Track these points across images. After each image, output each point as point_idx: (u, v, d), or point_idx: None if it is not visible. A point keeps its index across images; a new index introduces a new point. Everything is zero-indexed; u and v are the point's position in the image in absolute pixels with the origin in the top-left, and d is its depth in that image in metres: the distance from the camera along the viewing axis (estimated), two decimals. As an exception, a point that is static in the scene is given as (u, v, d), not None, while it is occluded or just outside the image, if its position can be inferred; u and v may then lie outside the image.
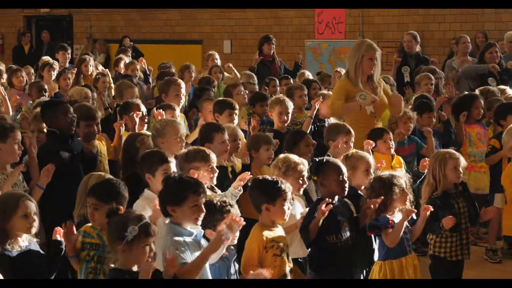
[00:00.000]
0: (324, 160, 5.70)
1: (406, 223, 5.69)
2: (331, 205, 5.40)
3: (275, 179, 5.30)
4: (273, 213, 5.21)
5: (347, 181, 5.61)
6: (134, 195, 5.54)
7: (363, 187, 6.12)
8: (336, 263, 5.52)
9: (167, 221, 4.76)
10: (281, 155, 6.18)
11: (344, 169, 5.62)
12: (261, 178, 5.43)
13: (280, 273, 5.15)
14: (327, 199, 5.49)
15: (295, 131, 7.57)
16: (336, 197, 5.62)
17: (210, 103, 8.57)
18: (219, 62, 12.83)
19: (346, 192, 5.63)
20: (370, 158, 6.31)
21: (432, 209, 5.82)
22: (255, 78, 11.49)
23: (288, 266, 5.22)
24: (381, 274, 5.66)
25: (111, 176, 5.54)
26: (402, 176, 5.75)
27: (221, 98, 8.76)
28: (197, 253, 4.65)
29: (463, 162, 6.31)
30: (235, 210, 4.95)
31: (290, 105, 8.31)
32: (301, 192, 6.04)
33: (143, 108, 7.71)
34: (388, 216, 5.62)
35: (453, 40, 14.64)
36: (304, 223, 5.53)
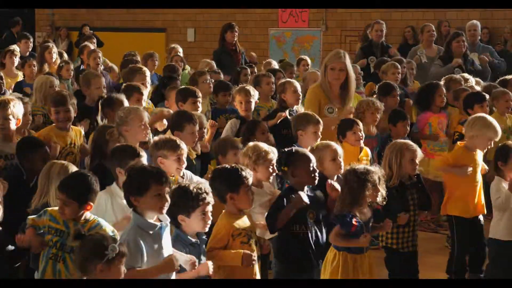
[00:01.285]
0: (294, 150, 5.72)
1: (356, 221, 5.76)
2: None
3: (235, 167, 5.33)
4: (238, 201, 5.24)
5: (317, 171, 5.63)
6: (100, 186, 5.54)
7: (335, 177, 6.15)
8: (300, 253, 5.55)
9: (131, 212, 4.75)
10: (251, 144, 6.20)
11: (313, 159, 5.64)
12: (221, 167, 5.46)
13: (247, 260, 5.20)
14: (329, 181, 5.48)
15: (251, 121, 7.62)
16: (306, 187, 5.65)
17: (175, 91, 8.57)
18: (181, 53, 12.82)
19: (316, 182, 5.65)
20: (337, 146, 6.33)
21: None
22: (214, 65, 11.50)
23: (256, 253, 5.26)
24: (334, 262, 5.70)
25: (81, 171, 5.42)
26: (376, 172, 5.75)
27: (184, 87, 8.72)
28: (155, 246, 4.65)
29: (420, 154, 6.36)
30: (210, 198, 4.96)
31: (255, 94, 8.32)
32: (271, 180, 6.08)
33: (127, 103, 7.65)
34: (353, 221, 5.63)
35: (408, 28, 14.75)
36: (271, 210, 5.56)
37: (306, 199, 5.49)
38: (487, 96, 8.53)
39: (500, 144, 6.73)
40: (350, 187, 5.64)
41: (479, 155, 6.95)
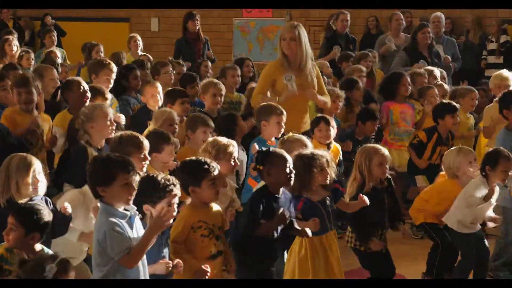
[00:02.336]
0: (271, 150, 5.69)
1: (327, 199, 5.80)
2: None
3: (200, 160, 5.31)
4: (200, 194, 5.23)
5: (293, 171, 5.61)
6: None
7: None
8: (262, 246, 5.54)
9: (99, 203, 4.71)
10: (210, 139, 6.19)
11: (290, 159, 5.60)
12: (188, 160, 5.44)
13: (207, 254, 5.20)
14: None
15: (228, 114, 7.61)
16: (282, 189, 5.63)
17: (152, 86, 8.48)
18: (141, 44, 12.74)
19: (291, 183, 5.61)
20: (306, 140, 6.33)
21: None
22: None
23: (217, 247, 5.25)
24: (302, 250, 5.72)
25: (37, 204, 5.08)
26: (324, 155, 5.79)
27: (172, 88, 8.61)
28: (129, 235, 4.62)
29: (389, 157, 6.37)
30: (177, 190, 4.94)
31: (223, 88, 8.32)
32: (233, 174, 6.07)
33: (84, 84, 7.60)
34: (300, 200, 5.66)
35: (371, 18, 14.80)
36: (248, 211, 5.50)
37: (287, 215, 5.46)
38: (458, 106, 8.57)
39: (490, 149, 6.75)
40: (298, 173, 5.64)
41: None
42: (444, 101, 8.84)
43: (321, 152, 5.86)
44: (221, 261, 5.36)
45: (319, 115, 7.94)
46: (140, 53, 12.26)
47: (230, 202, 6.10)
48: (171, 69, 9.67)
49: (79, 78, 7.73)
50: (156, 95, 8.28)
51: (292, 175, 5.57)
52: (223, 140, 6.08)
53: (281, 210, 5.49)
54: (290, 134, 6.45)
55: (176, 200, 4.92)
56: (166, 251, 5.04)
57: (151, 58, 11.57)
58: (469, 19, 14.73)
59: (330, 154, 5.98)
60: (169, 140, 6.66)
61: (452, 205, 6.60)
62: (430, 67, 10.22)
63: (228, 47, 15.23)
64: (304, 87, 7.86)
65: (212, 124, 6.99)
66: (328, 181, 5.77)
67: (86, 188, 5.47)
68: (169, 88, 8.60)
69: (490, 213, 6.61)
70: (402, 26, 12.29)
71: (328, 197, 5.85)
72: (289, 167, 5.54)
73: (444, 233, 6.75)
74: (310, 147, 6.23)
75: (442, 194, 6.85)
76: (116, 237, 4.51)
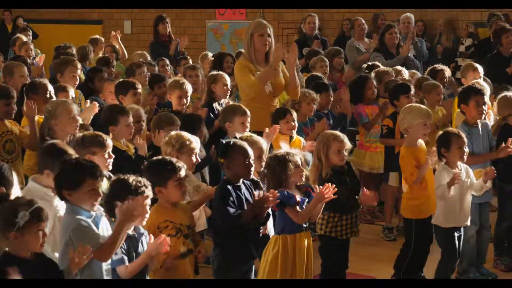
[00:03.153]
0: (231, 142, 5.70)
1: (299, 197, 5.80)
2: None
3: (165, 160, 5.32)
4: (166, 195, 5.23)
5: (253, 165, 5.62)
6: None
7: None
8: (240, 245, 5.54)
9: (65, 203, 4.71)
10: (173, 133, 6.22)
11: (250, 152, 5.61)
12: (154, 160, 5.44)
13: (175, 253, 5.18)
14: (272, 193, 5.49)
15: (192, 115, 7.63)
16: (241, 180, 5.65)
17: (111, 84, 8.51)
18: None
19: (251, 175, 5.65)
20: (263, 143, 6.33)
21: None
22: (147, 56, 11.45)
23: (186, 246, 5.25)
24: (275, 248, 5.72)
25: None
26: (297, 153, 5.80)
27: (122, 80, 8.69)
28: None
29: (347, 144, 6.32)
30: (149, 191, 4.94)
31: (189, 88, 8.31)
32: (194, 168, 6.07)
33: (50, 88, 7.57)
34: (290, 192, 5.67)
35: (345, 21, 14.88)
36: (219, 205, 5.50)
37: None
38: (412, 86, 8.61)
39: (440, 132, 6.75)
40: (273, 172, 5.67)
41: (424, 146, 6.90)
42: (398, 82, 8.91)
43: (295, 151, 5.88)
44: (192, 259, 5.35)
45: (284, 107, 7.94)
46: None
47: (194, 192, 6.08)
48: (146, 70, 9.67)
49: (46, 81, 7.68)
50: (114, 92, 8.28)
51: (252, 169, 5.60)
52: (187, 135, 6.12)
53: (256, 193, 5.55)
54: (249, 134, 6.44)
55: (148, 202, 4.91)
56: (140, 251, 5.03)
57: (147, 57, 11.57)
58: (441, 22, 14.83)
59: (302, 153, 5.98)
60: (123, 111, 6.74)
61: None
62: (398, 67, 10.26)
63: (201, 49, 15.21)
64: (275, 84, 7.92)
65: (178, 122, 7.00)
66: (303, 179, 5.79)
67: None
68: (121, 80, 8.62)
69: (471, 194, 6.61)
70: (365, 31, 12.37)
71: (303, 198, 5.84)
72: (248, 159, 5.57)
73: (421, 235, 6.76)
74: (266, 150, 6.24)
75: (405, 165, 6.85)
76: (85, 233, 4.51)
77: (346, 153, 6.29)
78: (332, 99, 8.93)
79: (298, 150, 6.05)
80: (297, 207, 5.67)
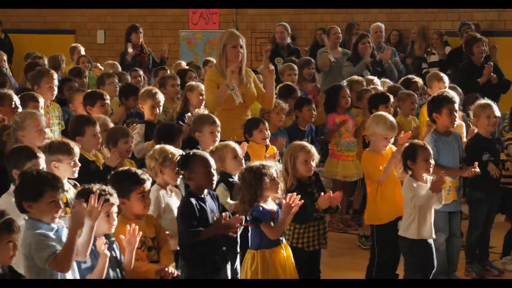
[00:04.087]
0: (191, 153, 5.68)
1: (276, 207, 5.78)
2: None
3: (129, 172, 5.29)
4: (129, 207, 5.20)
5: (215, 174, 5.60)
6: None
7: (236, 175, 6.17)
8: (206, 258, 5.49)
9: (25, 217, 4.65)
10: (157, 146, 6.16)
11: (211, 161, 5.58)
12: (119, 171, 5.41)
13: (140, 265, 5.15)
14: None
15: (169, 125, 7.59)
16: (206, 191, 5.62)
17: (81, 94, 8.47)
18: (83, 53, 12.73)
19: (213, 186, 5.62)
20: (235, 145, 6.33)
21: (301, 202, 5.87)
22: (118, 67, 11.42)
23: (150, 258, 5.22)
24: (254, 264, 5.69)
25: None
26: (272, 166, 5.77)
27: (91, 90, 8.65)
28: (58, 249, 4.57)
29: (315, 155, 6.33)
30: (114, 199, 4.90)
31: (162, 98, 8.29)
32: (178, 182, 6.04)
33: (16, 99, 7.52)
34: (266, 207, 5.65)
35: (319, 30, 14.93)
36: (187, 223, 5.46)
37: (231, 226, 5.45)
38: (391, 97, 8.64)
39: (406, 144, 6.77)
40: (248, 185, 5.63)
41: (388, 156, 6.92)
42: (377, 92, 8.95)
43: (269, 163, 5.83)
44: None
45: (256, 117, 7.94)
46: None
47: None
48: (116, 80, 9.64)
49: (11, 92, 7.62)
50: None
51: (214, 178, 5.57)
52: (171, 148, 6.07)
53: (211, 215, 5.49)
54: (216, 144, 6.43)
55: (114, 209, 4.89)
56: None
57: (118, 67, 11.52)
58: (415, 30, 14.91)
59: (277, 165, 5.96)
60: (90, 121, 6.72)
61: (403, 218, 6.58)
62: (370, 77, 10.30)
63: (175, 59, 15.17)
64: (246, 95, 7.91)
65: (131, 133, 6.95)
66: (279, 192, 5.74)
67: (11, 188, 5.39)
68: (89, 90, 8.58)
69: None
70: (339, 40, 12.38)
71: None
72: (209, 169, 5.53)
73: (384, 240, 6.78)
74: (239, 151, 6.23)
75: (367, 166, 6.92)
76: (40, 244, 4.46)
77: (313, 164, 6.29)
78: (315, 112, 8.89)
79: (273, 162, 6.02)
80: (272, 223, 5.63)
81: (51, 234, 4.55)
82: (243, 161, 6.26)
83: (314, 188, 6.35)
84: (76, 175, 5.77)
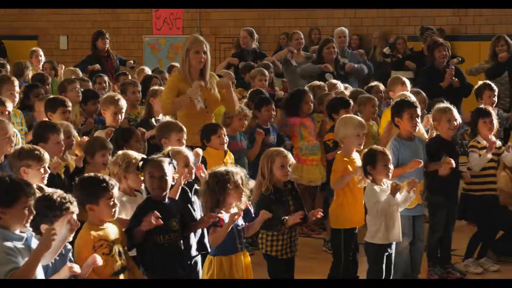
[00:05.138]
0: (149, 158, 5.64)
1: (241, 220, 5.76)
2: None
3: (98, 177, 5.25)
4: (98, 212, 5.16)
5: (167, 181, 5.55)
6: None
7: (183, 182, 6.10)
8: (163, 263, 5.47)
9: None
10: (120, 152, 6.12)
11: (166, 167, 5.54)
12: (86, 176, 5.36)
13: (110, 271, 5.11)
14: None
15: (124, 128, 7.54)
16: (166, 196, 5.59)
17: (43, 101, 8.40)
18: (43, 58, 12.62)
19: (164, 192, 5.56)
20: (188, 152, 6.29)
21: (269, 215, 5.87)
22: (79, 73, 11.35)
23: (120, 264, 5.20)
24: (210, 270, 5.68)
25: None
26: (238, 172, 5.75)
27: (52, 97, 8.57)
28: (27, 258, 4.54)
29: (291, 160, 6.37)
30: (74, 207, 4.87)
31: (124, 104, 8.24)
32: (142, 187, 6.00)
33: None
34: (219, 215, 5.64)
35: (282, 35, 14.99)
36: (131, 224, 5.47)
37: (156, 222, 5.41)
38: (351, 101, 8.67)
39: (366, 150, 6.80)
40: (211, 191, 5.61)
41: (358, 159, 6.96)
42: (337, 96, 8.98)
43: (235, 169, 5.81)
44: (127, 276, 5.29)
45: (213, 122, 7.91)
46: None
47: None
48: (78, 86, 9.57)
49: None
50: None
51: (166, 185, 5.52)
52: (134, 153, 6.04)
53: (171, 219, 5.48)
54: (170, 148, 6.38)
55: (74, 217, 4.85)
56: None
57: (79, 73, 11.46)
58: (376, 35, 15.00)
59: (243, 172, 5.93)
60: (54, 128, 6.66)
61: (369, 224, 6.61)
62: (333, 81, 10.34)
63: (138, 64, 15.14)
64: (209, 101, 7.89)
65: (110, 145, 6.90)
66: (243, 199, 5.72)
67: None
68: (50, 97, 8.52)
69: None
70: (301, 45, 12.44)
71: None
72: (163, 174, 5.50)
73: (349, 252, 6.80)
74: (191, 158, 6.21)
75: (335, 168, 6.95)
76: (2, 258, 4.42)
77: (290, 169, 6.31)
78: (274, 113, 8.93)
79: (239, 168, 5.98)
80: (218, 228, 5.59)
81: (20, 244, 4.53)
82: (193, 171, 6.20)
83: (289, 197, 6.37)
84: (45, 182, 5.76)
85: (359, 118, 7.19)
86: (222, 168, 5.78)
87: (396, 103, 7.46)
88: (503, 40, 11.31)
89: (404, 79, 9.47)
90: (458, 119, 7.56)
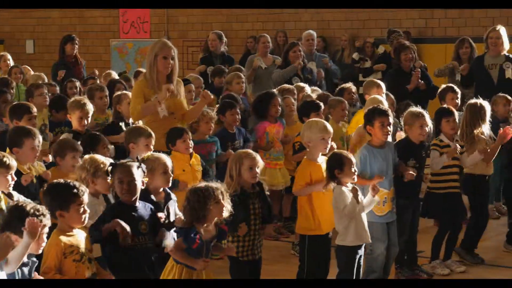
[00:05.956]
0: (118, 163, 5.63)
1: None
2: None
3: (68, 184, 5.23)
4: (67, 219, 5.14)
5: (136, 185, 5.55)
6: None
7: (161, 189, 6.14)
8: (133, 265, 5.47)
9: None
10: (87, 156, 6.11)
11: (135, 172, 5.55)
12: (55, 182, 5.33)
13: (81, 278, 5.11)
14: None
15: (91, 135, 7.51)
16: (136, 200, 5.57)
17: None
18: (11, 62, 12.54)
19: (133, 197, 5.56)
20: (167, 159, 6.29)
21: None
22: (45, 78, 11.27)
23: (90, 271, 5.18)
24: (169, 276, 5.61)
25: None
26: (218, 187, 5.67)
27: (17, 103, 8.48)
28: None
29: (260, 162, 6.40)
30: (47, 220, 4.84)
31: (91, 108, 8.21)
32: (110, 190, 5.98)
33: None
34: (197, 237, 5.57)
35: (250, 38, 15.02)
36: (98, 220, 5.45)
37: (123, 225, 5.40)
38: (322, 104, 8.70)
39: (331, 153, 6.82)
40: (192, 207, 5.56)
41: (323, 165, 6.97)
42: (308, 99, 9.00)
43: (215, 184, 5.73)
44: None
45: (179, 126, 7.87)
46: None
47: None
48: (45, 90, 9.52)
49: None
50: None
51: (135, 190, 5.51)
52: (101, 158, 6.04)
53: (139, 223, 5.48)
54: (149, 153, 6.38)
55: (45, 230, 4.81)
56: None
57: (45, 78, 11.38)
58: (345, 37, 15.08)
59: (224, 185, 5.89)
60: (30, 133, 6.63)
61: (338, 227, 6.63)
62: (301, 84, 10.38)
63: (106, 68, 15.11)
64: (174, 106, 7.87)
65: (80, 148, 6.89)
66: (223, 214, 5.66)
67: None
68: (15, 103, 8.47)
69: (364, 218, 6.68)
70: (268, 48, 12.38)
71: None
72: (132, 179, 5.50)
73: (314, 252, 6.83)
74: (170, 166, 6.20)
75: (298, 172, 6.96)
76: None
77: (258, 170, 6.34)
78: (239, 116, 8.92)
79: (219, 184, 5.92)
80: (183, 244, 5.54)
81: None
82: (171, 178, 6.20)
83: (256, 201, 6.39)
84: (10, 189, 5.74)
85: (324, 122, 7.20)
86: (202, 184, 5.71)
87: (368, 111, 7.40)
88: (467, 43, 11.42)
89: (380, 82, 9.47)
90: (430, 124, 7.59)
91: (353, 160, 6.54)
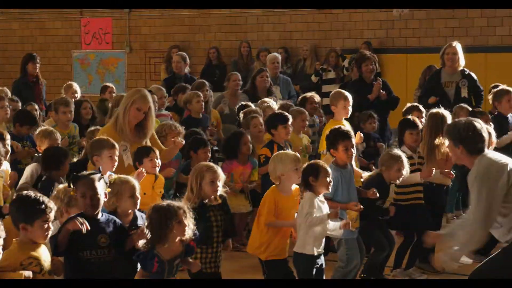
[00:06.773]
0: (79, 175, 5.58)
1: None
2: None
3: (37, 198, 5.19)
4: (31, 233, 5.10)
5: (99, 199, 5.48)
6: None
7: (130, 211, 6.03)
8: (90, 279, 5.43)
9: None
10: (61, 186, 6.02)
11: (97, 186, 5.47)
12: (23, 194, 5.29)
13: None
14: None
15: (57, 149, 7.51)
16: (100, 212, 5.55)
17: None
18: None
19: (96, 210, 5.50)
20: (134, 182, 6.21)
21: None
22: (8, 93, 11.12)
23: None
24: None
25: None
26: (181, 206, 5.61)
27: None
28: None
29: (221, 175, 6.37)
30: (2, 232, 4.81)
31: (59, 137, 8.26)
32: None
33: None
34: (154, 260, 5.50)
35: (212, 49, 15.05)
36: (56, 235, 5.37)
37: (79, 227, 5.36)
38: (290, 117, 8.69)
39: (308, 163, 6.79)
40: (153, 226, 5.50)
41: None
42: (276, 111, 9.03)
43: (177, 203, 5.67)
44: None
45: (146, 145, 7.79)
46: None
47: None
48: (7, 103, 9.45)
49: None
50: None
51: (98, 203, 5.45)
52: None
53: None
54: (117, 176, 6.29)
55: (0, 242, 4.80)
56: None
57: (8, 92, 11.28)
58: (307, 47, 15.17)
59: (187, 205, 5.86)
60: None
61: (299, 233, 6.64)
62: (266, 99, 10.32)
63: (68, 79, 15.00)
64: (143, 125, 7.79)
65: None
66: (186, 234, 5.59)
67: None
68: None
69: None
70: (239, 86, 11.80)
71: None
72: (94, 192, 5.44)
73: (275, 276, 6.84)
74: (138, 188, 6.13)
75: (265, 203, 6.87)
76: None
77: (220, 184, 6.33)
78: (210, 154, 8.74)
79: (182, 203, 5.89)
80: (144, 273, 5.50)
81: None
82: (139, 201, 6.14)
83: (218, 213, 6.39)
84: None
85: (292, 152, 7.12)
86: (164, 203, 5.65)
87: (331, 133, 7.38)
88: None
89: (346, 93, 9.36)
90: (407, 168, 7.60)
91: (329, 170, 6.56)
